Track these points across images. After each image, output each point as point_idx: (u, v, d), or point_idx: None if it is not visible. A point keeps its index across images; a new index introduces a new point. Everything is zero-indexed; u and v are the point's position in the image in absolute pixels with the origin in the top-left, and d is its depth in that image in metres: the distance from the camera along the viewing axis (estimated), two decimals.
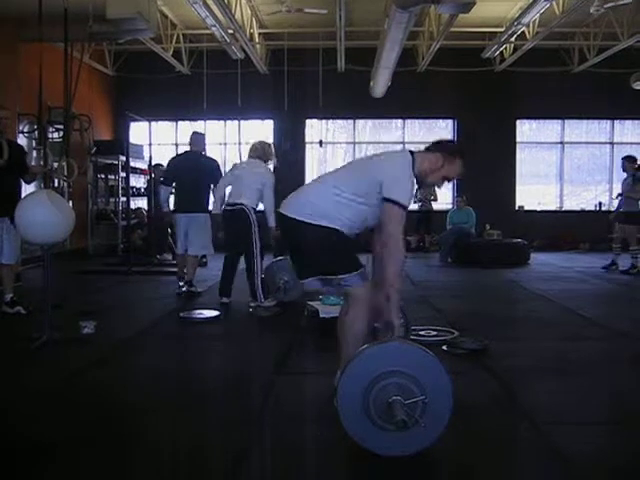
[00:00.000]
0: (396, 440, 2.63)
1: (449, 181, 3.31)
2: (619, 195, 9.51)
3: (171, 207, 7.42)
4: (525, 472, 2.65)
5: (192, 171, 6.87)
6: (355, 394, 2.64)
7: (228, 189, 6.27)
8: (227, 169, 8.91)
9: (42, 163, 6.07)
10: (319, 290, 4.36)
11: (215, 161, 7.38)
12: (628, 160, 9.39)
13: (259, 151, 6.27)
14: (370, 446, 2.65)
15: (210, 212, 6.84)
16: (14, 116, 8.12)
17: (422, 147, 3.30)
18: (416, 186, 3.21)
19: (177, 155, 8.01)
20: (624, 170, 9.41)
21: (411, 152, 3.23)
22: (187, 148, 7.41)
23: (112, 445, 2.83)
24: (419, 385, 2.61)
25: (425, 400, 2.60)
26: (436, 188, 3.49)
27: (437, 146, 3.26)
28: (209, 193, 6.90)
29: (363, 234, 3.34)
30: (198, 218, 6.87)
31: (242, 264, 6.28)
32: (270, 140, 13.43)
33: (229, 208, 6.07)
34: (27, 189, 6.09)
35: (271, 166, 6.38)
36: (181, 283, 7.11)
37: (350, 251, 3.16)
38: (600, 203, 13.69)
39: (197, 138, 7.21)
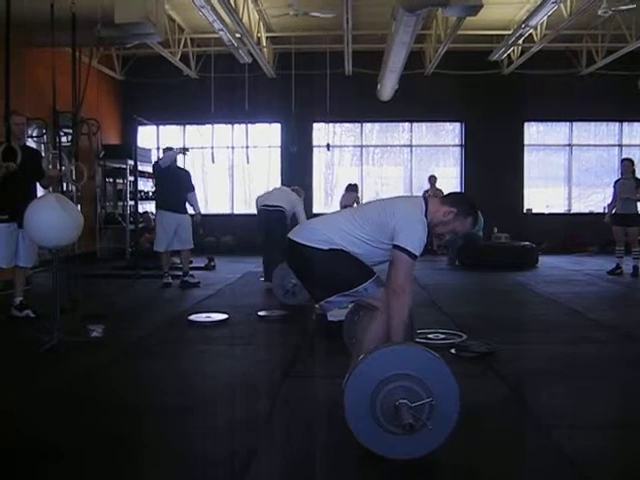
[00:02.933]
0: (403, 443, 2.63)
1: (455, 234, 3.30)
2: (614, 199, 9.38)
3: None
4: (532, 475, 2.64)
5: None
6: (362, 397, 2.64)
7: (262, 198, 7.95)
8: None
9: (58, 167, 6.07)
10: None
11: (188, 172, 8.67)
12: (632, 162, 9.38)
13: (296, 189, 8.26)
14: (377, 449, 2.65)
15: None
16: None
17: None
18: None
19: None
20: (624, 172, 9.36)
21: (424, 199, 3.23)
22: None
23: (120, 447, 2.84)
24: (426, 388, 2.61)
25: (432, 403, 2.60)
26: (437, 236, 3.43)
27: (454, 201, 3.27)
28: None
29: None
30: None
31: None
32: (277, 143, 13.67)
33: (269, 208, 7.64)
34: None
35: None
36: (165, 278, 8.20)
37: (358, 261, 3.12)
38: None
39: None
